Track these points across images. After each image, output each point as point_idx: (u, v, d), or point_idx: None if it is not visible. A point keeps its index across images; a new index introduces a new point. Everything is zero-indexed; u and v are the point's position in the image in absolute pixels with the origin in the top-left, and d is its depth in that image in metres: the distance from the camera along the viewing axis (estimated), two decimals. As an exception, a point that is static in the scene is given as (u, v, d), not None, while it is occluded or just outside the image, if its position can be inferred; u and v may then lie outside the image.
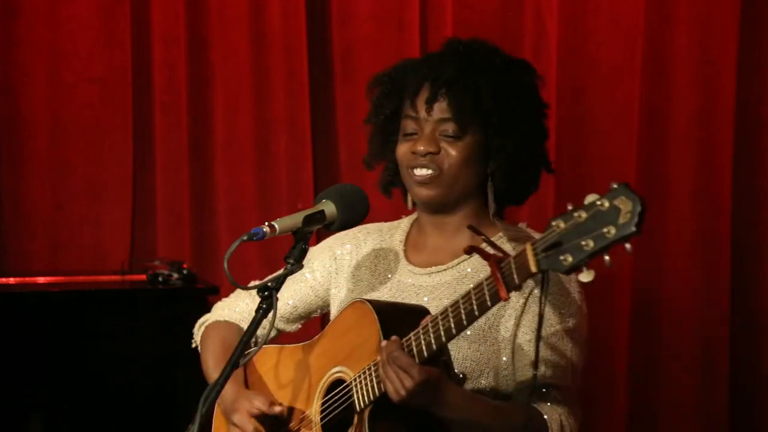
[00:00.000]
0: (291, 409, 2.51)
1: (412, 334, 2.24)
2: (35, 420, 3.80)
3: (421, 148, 2.48)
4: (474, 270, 2.50)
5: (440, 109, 2.49)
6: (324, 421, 2.43)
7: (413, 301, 2.50)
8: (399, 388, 2.22)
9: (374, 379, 2.30)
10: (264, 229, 2.27)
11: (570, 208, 1.95)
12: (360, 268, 2.63)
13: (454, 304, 2.18)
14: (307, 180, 4.39)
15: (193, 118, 4.39)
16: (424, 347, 2.22)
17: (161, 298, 4.02)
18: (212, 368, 2.66)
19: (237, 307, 2.74)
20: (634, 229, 1.86)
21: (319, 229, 2.39)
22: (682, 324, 4.42)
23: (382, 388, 2.27)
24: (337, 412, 2.39)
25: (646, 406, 4.42)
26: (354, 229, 2.67)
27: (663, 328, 4.42)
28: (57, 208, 4.36)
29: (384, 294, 2.56)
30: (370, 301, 2.39)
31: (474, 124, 2.48)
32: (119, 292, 4.11)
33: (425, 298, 2.49)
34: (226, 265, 2.27)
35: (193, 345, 2.80)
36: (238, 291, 2.77)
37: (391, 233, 2.66)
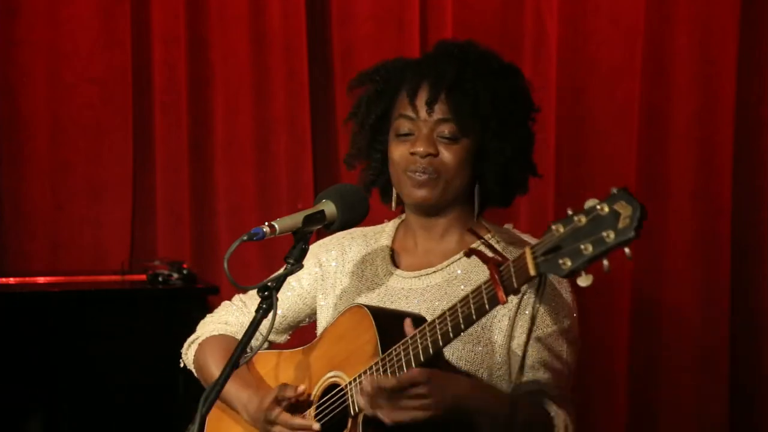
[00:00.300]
0: (289, 412, 2.50)
1: (408, 338, 2.24)
2: (35, 420, 3.80)
3: (421, 149, 2.48)
4: (464, 272, 2.50)
5: (440, 110, 2.49)
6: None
7: (403, 304, 2.50)
8: (419, 406, 2.20)
9: None
10: (264, 229, 2.27)
11: (570, 212, 1.95)
12: (347, 273, 2.63)
13: (452, 308, 2.17)
14: (307, 180, 4.39)
15: (193, 118, 4.39)
16: (420, 351, 2.21)
17: (161, 298, 4.02)
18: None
19: (226, 320, 2.71)
20: (633, 234, 1.86)
21: (319, 229, 2.39)
22: (682, 324, 4.42)
23: None
24: (331, 416, 2.39)
25: (646, 406, 4.43)
26: (338, 234, 2.67)
27: (663, 328, 4.42)
28: (57, 208, 4.36)
29: (373, 299, 2.55)
30: (367, 306, 2.39)
31: (473, 126, 2.48)
32: (119, 292, 4.11)
33: (415, 301, 2.49)
34: (226, 265, 2.27)
35: (181, 365, 2.76)
36: (223, 304, 2.77)
37: (377, 237, 2.65)
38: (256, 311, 2.26)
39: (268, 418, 2.45)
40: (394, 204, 2.59)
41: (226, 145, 4.42)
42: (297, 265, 2.30)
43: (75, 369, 3.83)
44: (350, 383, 2.35)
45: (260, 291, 2.27)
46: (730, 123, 4.37)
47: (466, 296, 2.15)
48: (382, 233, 2.65)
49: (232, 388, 2.53)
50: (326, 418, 2.40)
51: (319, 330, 2.63)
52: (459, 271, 2.50)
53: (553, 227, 1.94)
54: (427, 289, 2.50)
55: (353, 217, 2.41)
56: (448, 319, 2.17)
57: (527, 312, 2.43)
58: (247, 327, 2.27)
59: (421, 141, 2.48)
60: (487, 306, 2.11)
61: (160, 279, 4.01)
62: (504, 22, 4.41)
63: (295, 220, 2.32)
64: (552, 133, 4.35)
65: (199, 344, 2.71)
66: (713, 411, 4.40)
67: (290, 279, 2.59)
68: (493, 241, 2.52)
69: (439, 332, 2.19)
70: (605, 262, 1.89)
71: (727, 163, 4.38)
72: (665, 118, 4.40)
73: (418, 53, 4.20)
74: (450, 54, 2.55)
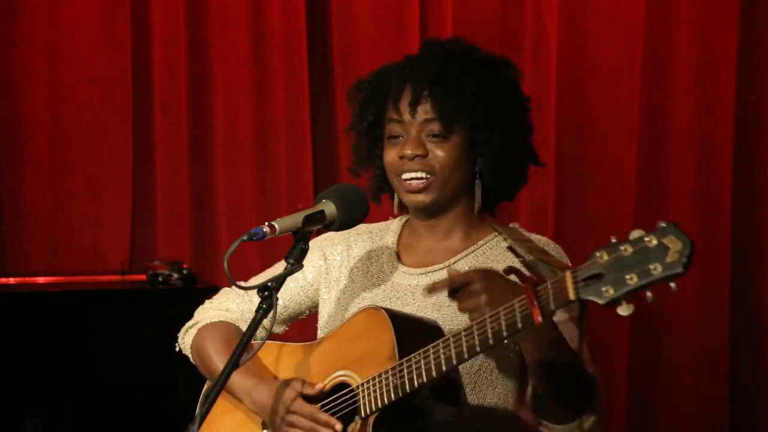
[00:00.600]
0: None
1: (431, 346, 2.22)
2: (35, 420, 3.80)
3: (409, 151, 2.47)
4: (471, 268, 2.49)
5: (424, 110, 2.48)
6: None
7: (410, 301, 2.50)
8: (475, 304, 2.18)
9: (385, 386, 2.28)
10: (264, 229, 2.27)
11: (614, 240, 1.95)
12: (352, 269, 2.62)
13: (481, 321, 2.15)
14: (307, 180, 4.39)
15: (193, 118, 4.40)
16: (443, 361, 2.19)
17: (161, 298, 4.02)
18: (220, 366, 2.61)
19: (227, 307, 2.70)
20: (681, 269, 1.87)
21: (319, 229, 2.39)
22: (682, 324, 4.42)
23: (392, 397, 2.26)
24: (338, 415, 2.38)
25: (646, 406, 4.43)
26: (347, 231, 2.66)
27: (663, 327, 4.42)
28: (57, 208, 4.36)
29: (379, 294, 2.55)
30: (384, 308, 2.38)
31: (459, 122, 2.47)
32: (119, 292, 4.11)
33: (421, 297, 2.48)
34: (226, 265, 2.27)
35: (177, 349, 2.75)
36: (223, 291, 2.76)
37: (382, 235, 2.65)
38: (256, 311, 2.26)
39: (288, 406, 2.42)
40: (396, 207, 2.59)
41: (226, 145, 4.42)
42: (297, 265, 2.30)
43: (75, 369, 3.83)
44: (363, 385, 2.33)
45: (260, 291, 2.27)
46: (730, 123, 4.38)
47: (497, 311, 2.12)
48: (388, 231, 2.65)
49: (235, 375, 2.50)
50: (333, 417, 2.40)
51: (320, 323, 2.63)
52: (466, 268, 2.49)
53: (597, 254, 1.94)
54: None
55: (353, 217, 2.41)
56: (476, 332, 2.15)
57: None
58: (247, 326, 2.26)
59: (409, 143, 2.48)
60: (519, 324, 2.08)
61: (160, 279, 4.01)
62: (504, 22, 4.42)
63: (295, 220, 2.32)
64: (552, 133, 4.35)
65: (198, 330, 2.69)
66: (713, 411, 4.41)
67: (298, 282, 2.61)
68: (491, 238, 2.52)
69: (465, 344, 2.16)
70: (649, 294, 1.90)
71: (727, 163, 4.38)
72: (665, 118, 4.40)
73: (417, 53, 4.20)
74: (434, 52, 2.54)
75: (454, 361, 2.18)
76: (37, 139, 4.35)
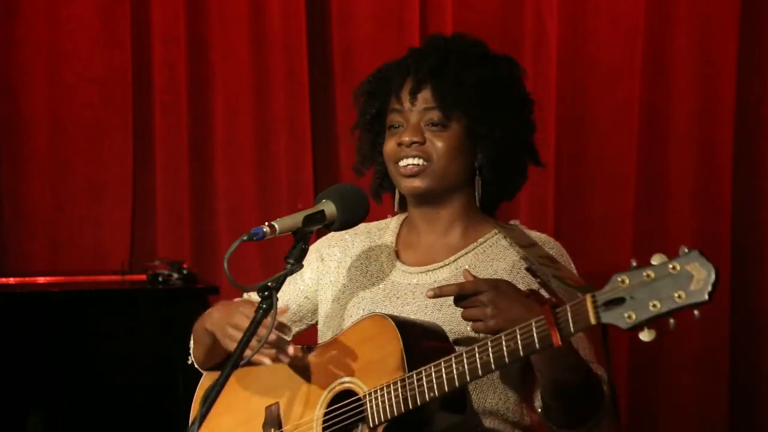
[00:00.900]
0: (288, 411, 2.49)
1: (443, 360, 2.21)
2: (35, 420, 3.80)
3: (406, 138, 2.48)
4: (471, 266, 2.48)
5: (424, 99, 2.50)
6: (327, 430, 2.40)
7: (410, 300, 2.49)
8: (480, 314, 2.20)
9: (395, 397, 2.27)
10: (264, 229, 2.27)
11: (634, 264, 1.94)
12: (350, 269, 2.62)
13: (496, 339, 2.14)
14: (307, 180, 4.39)
15: (193, 118, 4.40)
16: (456, 376, 2.19)
17: (161, 298, 4.02)
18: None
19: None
20: (706, 297, 1.90)
21: (319, 229, 2.39)
22: (682, 324, 4.41)
23: (402, 409, 2.26)
24: (343, 424, 2.37)
25: (646, 406, 4.42)
26: (344, 231, 2.67)
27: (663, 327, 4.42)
28: (57, 208, 4.36)
29: (377, 294, 2.54)
30: (390, 316, 2.37)
31: (458, 111, 2.48)
32: (119, 292, 4.11)
33: (421, 296, 2.48)
34: (226, 265, 2.27)
35: (190, 361, 2.72)
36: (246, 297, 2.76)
37: (381, 233, 2.65)
38: (256, 311, 2.26)
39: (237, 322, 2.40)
40: (396, 205, 2.60)
41: (226, 145, 4.42)
42: (297, 265, 2.30)
43: (75, 369, 3.83)
44: (371, 394, 2.32)
45: (260, 291, 2.27)
46: (730, 123, 4.37)
47: (514, 330, 2.12)
48: (386, 229, 2.65)
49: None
50: (337, 425, 2.38)
51: (320, 324, 2.63)
52: (466, 266, 2.49)
53: (619, 279, 1.93)
54: (434, 284, 2.48)
55: (353, 217, 2.41)
56: (491, 349, 2.14)
57: None
58: (247, 326, 2.26)
59: (408, 130, 2.49)
60: (537, 345, 2.07)
61: (160, 279, 4.01)
62: (504, 22, 4.42)
63: (295, 220, 2.32)
64: (552, 133, 4.35)
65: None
66: (713, 411, 4.40)
67: (294, 276, 2.59)
68: (491, 236, 2.52)
69: (479, 361, 2.16)
70: (671, 320, 1.90)
71: (727, 163, 4.38)
72: (665, 118, 4.40)
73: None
74: (436, 46, 2.56)
75: (468, 377, 2.18)
76: (37, 139, 4.35)
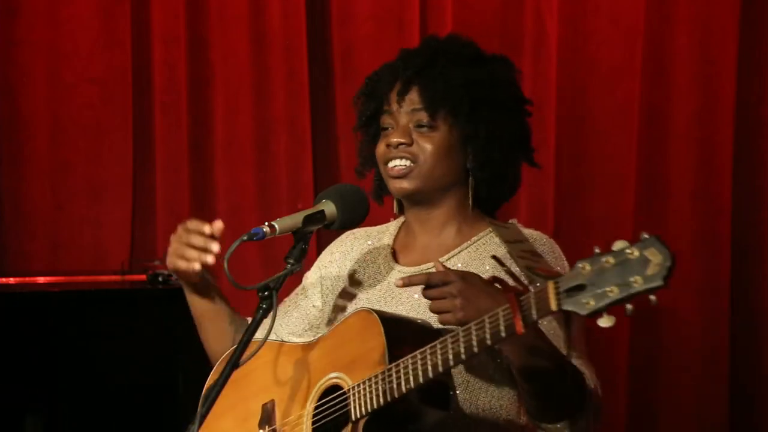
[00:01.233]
0: (282, 408, 2.50)
1: (418, 352, 2.22)
2: (35, 420, 3.80)
3: (394, 140, 2.49)
4: (464, 265, 2.49)
5: (411, 100, 2.51)
6: (316, 425, 2.41)
7: (405, 300, 2.50)
8: (448, 305, 2.19)
9: (375, 390, 2.28)
10: (264, 229, 2.28)
11: (597, 251, 1.94)
12: (349, 272, 2.63)
13: (466, 329, 2.15)
14: (307, 180, 4.39)
15: (193, 118, 4.40)
16: (430, 368, 2.19)
17: (161, 298, 4.01)
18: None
19: None
20: (661, 282, 1.87)
21: (319, 229, 2.39)
22: (682, 324, 4.42)
23: (381, 402, 2.26)
24: (330, 418, 2.38)
25: (646, 406, 4.42)
26: (343, 235, 2.69)
27: (663, 328, 4.42)
28: (57, 208, 4.36)
29: (375, 295, 2.56)
30: (376, 311, 2.38)
31: (445, 112, 2.48)
32: (119, 292, 4.11)
33: (416, 296, 2.48)
34: (226, 265, 2.27)
35: None
36: None
37: (380, 236, 2.66)
38: (256, 311, 2.26)
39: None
40: (396, 208, 2.60)
41: (226, 145, 4.42)
42: (297, 265, 2.30)
43: (75, 369, 3.83)
44: (354, 388, 2.34)
45: (260, 291, 2.27)
46: (730, 123, 4.37)
47: (482, 319, 2.12)
48: (386, 232, 2.66)
49: None
50: (325, 419, 2.40)
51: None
52: (459, 265, 2.49)
53: (579, 265, 1.93)
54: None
55: (353, 217, 2.42)
56: (461, 339, 2.15)
57: None
58: (247, 326, 2.27)
59: (395, 132, 2.50)
60: (503, 333, 2.08)
61: (160, 279, 4.01)
62: (504, 22, 4.41)
63: (295, 220, 2.32)
64: (552, 133, 4.35)
65: None
66: (713, 411, 4.40)
67: (300, 300, 2.66)
68: (484, 234, 2.51)
69: (450, 351, 2.16)
70: (628, 306, 1.89)
71: (727, 163, 4.38)
72: (665, 118, 4.40)
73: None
74: (427, 47, 2.57)
75: (440, 368, 2.18)
76: (37, 139, 4.35)
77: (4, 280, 4.09)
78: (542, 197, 4.37)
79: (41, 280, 4.13)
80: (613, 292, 1.88)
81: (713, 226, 4.40)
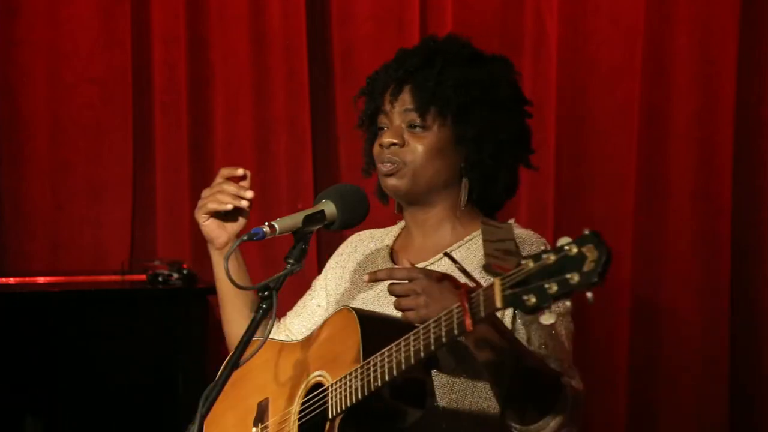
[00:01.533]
0: (274, 405, 2.51)
1: (385, 349, 2.22)
2: (35, 420, 3.80)
3: (385, 140, 2.50)
4: (452, 264, 2.49)
5: (404, 100, 2.51)
6: (301, 422, 2.43)
7: None
8: (411, 303, 2.19)
9: (348, 388, 2.29)
10: (264, 229, 2.28)
11: (542, 248, 1.96)
12: (351, 273, 2.65)
13: (426, 326, 2.15)
14: (307, 180, 4.39)
15: (193, 118, 4.40)
16: (394, 366, 2.19)
17: (161, 298, 4.02)
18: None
19: None
20: (596, 279, 1.85)
21: (319, 229, 2.39)
22: (682, 324, 4.42)
23: (353, 399, 2.26)
24: (312, 415, 2.39)
25: (646, 406, 4.43)
26: (352, 236, 2.71)
27: (663, 328, 4.42)
28: (57, 208, 4.36)
29: (369, 295, 2.57)
30: (356, 309, 2.39)
31: (435, 112, 2.48)
32: (119, 292, 4.11)
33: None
34: (226, 265, 2.27)
35: None
36: None
37: (383, 238, 2.67)
38: (256, 311, 2.26)
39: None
40: (396, 208, 2.61)
41: (226, 145, 4.42)
42: (297, 265, 2.30)
43: (75, 369, 3.83)
44: (332, 385, 2.34)
45: (260, 291, 2.27)
46: (730, 123, 4.37)
47: (439, 317, 2.12)
48: (389, 234, 2.68)
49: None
50: (308, 417, 2.41)
51: None
52: (449, 265, 2.49)
53: (523, 262, 1.93)
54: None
55: (353, 217, 2.42)
56: (421, 337, 2.15)
57: None
58: (247, 326, 2.27)
59: (388, 132, 2.51)
60: (455, 330, 2.07)
61: (160, 279, 4.01)
62: (504, 22, 4.41)
63: (295, 220, 2.32)
64: (552, 133, 4.35)
65: None
66: (713, 411, 4.40)
67: (312, 303, 2.69)
68: (476, 235, 2.51)
69: (412, 349, 2.16)
70: (589, 294, 1.89)
71: (727, 163, 4.38)
72: (665, 118, 4.40)
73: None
74: (424, 47, 2.58)
75: (403, 366, 2.17)
76: (37, 139, 4.35)
77: (4, 280, 4.10)
78: (542, 197, 4.37)
79: (41, 280, 4.13)
80: (552, 289, 1.88)
81: (713, 226, 4.40)
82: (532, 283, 1.91)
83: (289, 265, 2.30)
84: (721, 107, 4.38)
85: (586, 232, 1.88)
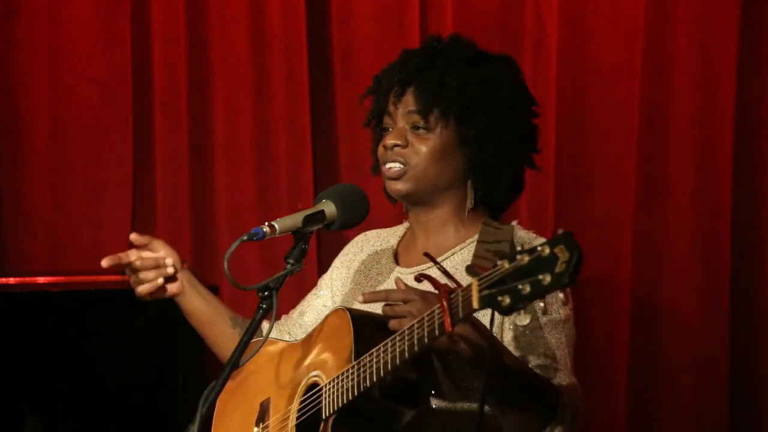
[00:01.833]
0: (275, 405, 2.52)
1: (374, 350, 2.23)
2: (35, 420, 3.80)
3: (389, 142, 2.50)
4: (460, 264, 2.50)
5: (407, 102, 2.52)
6: (299, 421, 2.44)
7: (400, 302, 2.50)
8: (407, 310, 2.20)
9: (341, 388, 2.29)
10: (264, 229, 2.28)
11: (518, 249, 1.95)
12: (355, 273, 2.65)
13: (410, 327, 2.16)
14: (307, 180, 4.39)
15: (193, 118, 4.39)
16: (381, 366, 2.20)
17: (161, 297, 4.01)
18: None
19: None
20: (567, 280, 1.85)
21: (319, 229, 2.39)
22: (682, 324, 4.41)
23: (344, 400, 2.27)
24: (308, 415, 2.40)
25: (646, 406, 4.42)
26: (359, 236, 2.70)
27: (663, 328, 4.42)
28: (57, 208, 4.36)
29: None
30: (350, 310, 2.39)
31: (437, 114, 2.48)
32: (119, 292, 4.10)
33: None
34: (226, 265, 2.28)
35: None
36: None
37: (388, 238, 2.68)
38: (256, 311, 2.27)
39: None
40: (405, 206, 2.62)
41: (226, 145, 4.42)
42: (297, 265, 2.31)
43: (75, 369, 3.83)
44: (326, 385, 2.35)
45: (260, 291, 2.28)
46: (730, 123, 4.37)
47: (422, 318, 2.13)
48: (394, 234, 2.68)
49: None
50: (305, 416, 2.42)
51: None
52: (452, 266, 2.50)
53: (499, 262, 1.93)
54: (422, 285, 2.48)
55: (353, 217, 2.42)
56: (406, 338, 2.16)
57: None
58: (247, 326, 2.27)
59: (392, 133, 2.51)
60: (436, 331, 2.08)
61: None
62: (504, 22, 4.41)
63: (295, 220, 2.32)
64: (552, 133, 4.34)
65: None
66: (713, 411, 4.40)
67: (318, 300, 2.69)
68: (470, 248, 2.50)
69: (397, 350, 2.17)
70: (541, 304, 1.89)
71: (727, 163, 4.38)
72: (665, 118, 4.39)
73: (417, 53, 4.20)
74: (427, 47, 2.57)
75: (389, 367, 2.18)
76: (37, 139, 4.35)
77: (4, 280, 4.09)
78: (542, 197, 4.36)
79: (41, 280, 4.13)
80: (525, 290, 1.89)
81: (713, 226, 4.39)
82: (507, 283, 1.91)
83: (289, 265, 2.30)
84: (721, 107, 4.38)
85: (559, 231, 1.88)
